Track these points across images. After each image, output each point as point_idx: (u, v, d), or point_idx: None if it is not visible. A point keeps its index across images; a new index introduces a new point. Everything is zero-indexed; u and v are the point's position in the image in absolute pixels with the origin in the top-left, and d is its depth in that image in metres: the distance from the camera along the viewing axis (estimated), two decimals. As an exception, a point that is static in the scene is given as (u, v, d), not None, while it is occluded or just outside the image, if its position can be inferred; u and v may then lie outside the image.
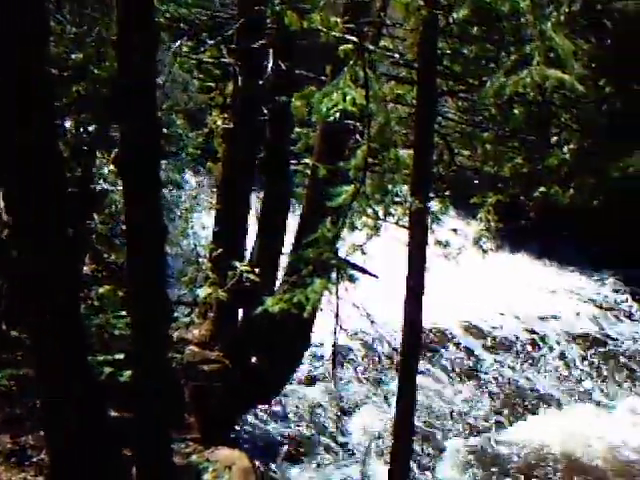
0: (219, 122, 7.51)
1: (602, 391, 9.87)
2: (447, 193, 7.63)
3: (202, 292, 6.87)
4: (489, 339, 10.66)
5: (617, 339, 10.94)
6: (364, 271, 7.48)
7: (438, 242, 7.38)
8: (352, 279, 6.65)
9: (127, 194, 4.76)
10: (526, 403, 9.52)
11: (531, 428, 9.01)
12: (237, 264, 6.56)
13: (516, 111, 6.99)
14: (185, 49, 8.00)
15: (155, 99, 4.69)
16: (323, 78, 6.47)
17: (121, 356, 5.94)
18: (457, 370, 10.03)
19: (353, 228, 6.76)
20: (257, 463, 7.21)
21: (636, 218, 11.29)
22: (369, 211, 6.78)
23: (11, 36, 4.46)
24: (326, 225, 4.84)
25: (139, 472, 5.08)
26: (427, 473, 8.33)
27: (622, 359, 10.54)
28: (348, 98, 4.16)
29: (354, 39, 4.57)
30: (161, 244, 4.91)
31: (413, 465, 8.23)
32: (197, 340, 7.55)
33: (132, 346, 5.07)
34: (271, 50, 6.88)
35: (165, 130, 8.38)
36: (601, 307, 11.56)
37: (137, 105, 4.57)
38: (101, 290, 6.86)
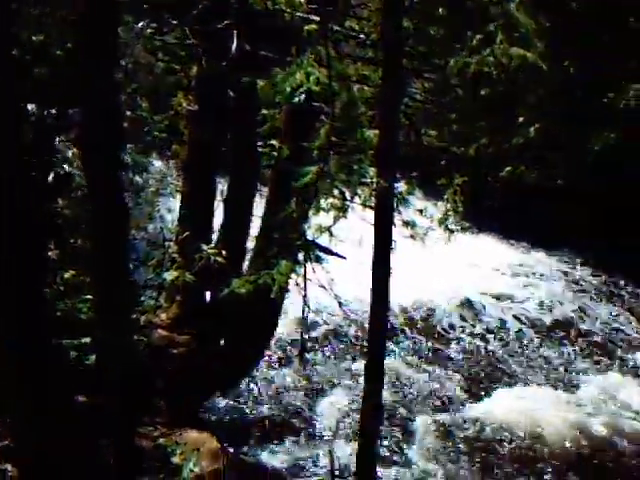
0: (184, 104, 7.44)
1: (567, 369, 9.99)
2: (414, 174, 7.63)
3: (169, 275, 6.84)
4: (455, 318, 10.73)
5: (583, 317, 11.07)
6: (331, 252, 7.48)
7: (405, 223, 7.38)
8: (319, 260, 6.67)
9: (89, 176, 4.71)
10: (492, 381, 9.61)
11: (497, 405, 9.10)
12: (204, 247, 6.53)
13: (483, 92, 7.01)
14: (149, 30, 7.91)
15: (116, 80, 4.64)
16: (289, 59, 6.44)
17: (87, 340, 5.91)
18: (423, 349, 10.09)
19: (319, 209, 6.77)
20: (226, 446, 7.23)
21: (604, 198, 11.36)
22: (335, 192, 6.79)
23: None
24: (291, 206, 4.82)
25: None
26: (395, 451, 8.39)
27: (588, 337, 10.68)
28: (312, 78, 4.15)
29: (317, 19, 4.55)
30: (124, 226, 4.87)
31: (381, 444, 8.29)
32: (165, 324, 7.51)
33: (97, 330, 5.04)
34: (235, 31, 6.82)
35: (130, 113, 8.29)
36: (567, 286, 11.68)
37: (99, 86, 4.53)
38: (66, 275, 6.80)
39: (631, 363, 10.18)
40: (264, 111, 7.39)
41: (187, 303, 7.42)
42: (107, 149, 4.62)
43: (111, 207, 4.68)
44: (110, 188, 4.67)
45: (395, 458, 8.30)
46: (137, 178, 9.21)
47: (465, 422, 8.84)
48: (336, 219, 6.80)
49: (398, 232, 7.05)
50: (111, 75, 4.61)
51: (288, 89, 4.19)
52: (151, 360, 7.19)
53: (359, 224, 6.81)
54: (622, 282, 11.88)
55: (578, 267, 12.17)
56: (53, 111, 7.38)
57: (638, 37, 9.69)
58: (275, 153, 7.08)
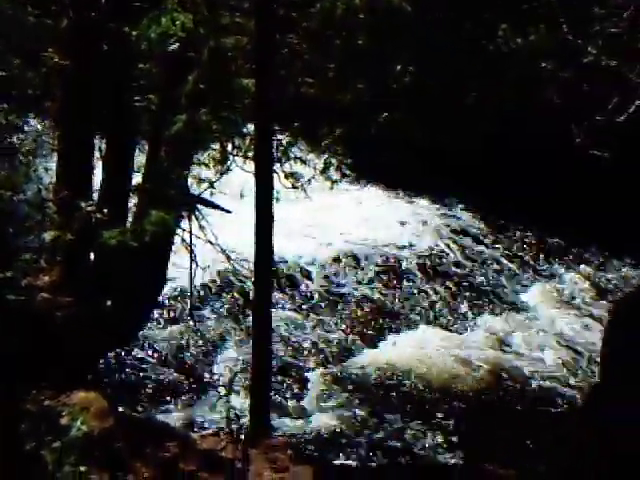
0: (55, 59, 7.18)
1: (454, 312, 10.29)
2: (296, 125, 7.61)
3: (48, 235, 6.65)
4: (343, 266, 10.87)
5: (468, 262, 11.38)
6: (215, 206, 7.47)
7: (289, 174, 7.39)
8: (200, 212, 6.65)
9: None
10: (381, 327, 9.82)
11: (386, 351, 9.34)
12: (82, 204, 6.36)
13: (360, 41, 7.02)
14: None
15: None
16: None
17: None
18: (312, 299, 10.19)
19: (200, 163, 6.72)
20: (119, 405, 7.16)
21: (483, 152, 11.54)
22: (217, 146, 6.73)
23: None
24: (163, 156, 4.75)
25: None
26: (289, 401, 8.51)
27: (473, 281, 10.99)
28: (177, 23, 4.07)
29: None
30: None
31: (277, 397, 8.40)
32: (47, 286, 7.32)
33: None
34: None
35: (1, 72, 7.97)
36: (452, 233, 11.93)
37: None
38: None
39: (514, 304, 10.56)
40: (140, 65, 7.22)
41: (70, 263, 7.25)
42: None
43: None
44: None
45: (289, 408, 8.42)
46: (13, 139, 8.90)
47: (356, 369, 9.03)
48: (221, 173, 6.77)
49: (284, 183, 7.10)
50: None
51: (153, 35, 4.09)
52: (34, 324, 7.02)
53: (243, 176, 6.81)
54: (505, 227, 12.22)
55: (460, 214, 12.42)
56: None
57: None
58: (153, 107, 6.94)
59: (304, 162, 7.42)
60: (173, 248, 7.47)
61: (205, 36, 4.40)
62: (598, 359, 8.89)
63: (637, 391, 6.32)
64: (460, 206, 12.48)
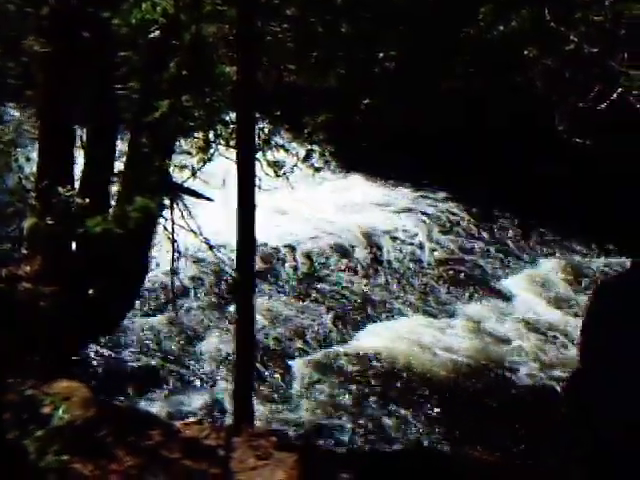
0: (36, 47, 7.11)
1: (436, 299, 10.32)
2: (278, 113, 7.60)
3: (27, 223, 6.61)
4: (325, 254, 10.87)
5: (451, 251, 11.41)
6: (197, 194, 7.44)
7: (272, 162, 7.37)
8: (183, 201, 6.62)
9: None
10: (364, 315, 9.84)
11: (370, 338, 9.36)
12: (60, 190, 6.31)
13: (343, 29, 7.00)
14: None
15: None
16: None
17: None
18: (296, 287, 10.20)
19: (183, 151, 6.69)
20: (102, 395, 7.15)
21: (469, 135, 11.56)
22: (200, 134, 6.70)
23: None
24: (144, 143, 4.73)
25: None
26: (274, 393, 8.51)
27: (456, 268, 11.02)
28: (158, 8, 4.05)
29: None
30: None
31: (260, 385, 8.40)
32: (29, 276, 7.28)
33: None
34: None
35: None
36: (435, 221, 11.95)
37: None
38: None
39: (497, 291, 10.60)
40: (122, 53, 7.17)
41: (52, 252, 7.21)
42: None
43: None
44: None
45: (273, 396, 8.43)
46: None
47: (341, 357, 9.05)
48: (204, 162, 6.75)
49: (267, 171, 7.08)
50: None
51: (133, 21, 4.07)
52: (16, 314, 6.98)
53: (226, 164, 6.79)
54: (488, 215, 12.24)
55: (443, 202, 12.43)
56: None
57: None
58: (135, 94, 6.90)
59: (286, 150, 7.40)
60: (155, 237, 7.46)
61: (187, 23, 4.38)
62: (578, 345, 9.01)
63: (614, 376, 6.41)
64: (443, 194, 12.49)
